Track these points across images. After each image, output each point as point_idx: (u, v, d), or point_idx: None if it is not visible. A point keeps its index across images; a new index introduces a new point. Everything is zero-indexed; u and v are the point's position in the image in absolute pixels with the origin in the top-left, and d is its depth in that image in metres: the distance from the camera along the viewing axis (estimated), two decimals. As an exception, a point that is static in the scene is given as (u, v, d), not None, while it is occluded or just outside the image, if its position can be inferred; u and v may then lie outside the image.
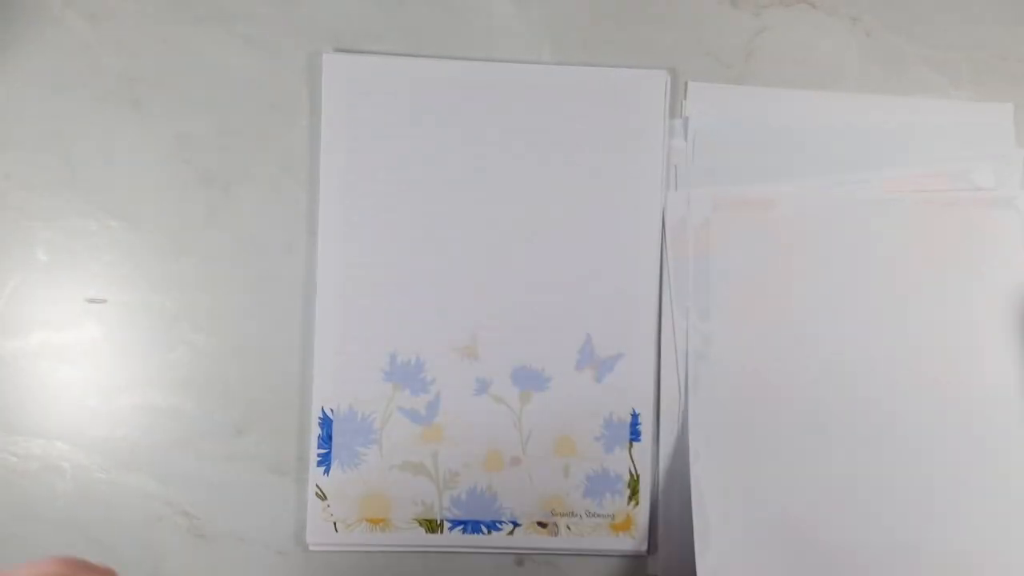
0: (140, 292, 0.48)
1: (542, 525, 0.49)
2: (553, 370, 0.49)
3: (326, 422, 0.49)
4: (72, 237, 0.48)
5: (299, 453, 0.49)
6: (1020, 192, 0.50)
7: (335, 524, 0.49)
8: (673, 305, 0.50)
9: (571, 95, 0.50)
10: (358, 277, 0.49)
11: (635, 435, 0.50)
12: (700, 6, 0.51)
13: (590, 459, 0.50)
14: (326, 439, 0.49)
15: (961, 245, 0.50)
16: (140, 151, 0.49)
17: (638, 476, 0.50)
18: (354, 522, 0.49)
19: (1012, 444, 0.49)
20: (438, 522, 0.49)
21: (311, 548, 0.49)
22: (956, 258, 0.50)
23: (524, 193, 0.49)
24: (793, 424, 0.49)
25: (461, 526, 0.49)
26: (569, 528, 0.50)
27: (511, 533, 0.49)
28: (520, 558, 0.50)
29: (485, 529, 0.49)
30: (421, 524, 0.49)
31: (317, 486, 0.49)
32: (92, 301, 0.48)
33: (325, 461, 0.49)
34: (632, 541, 0.50)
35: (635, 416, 0.50)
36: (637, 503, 0.50)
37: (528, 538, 0.49)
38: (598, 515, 0.50)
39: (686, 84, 0.51)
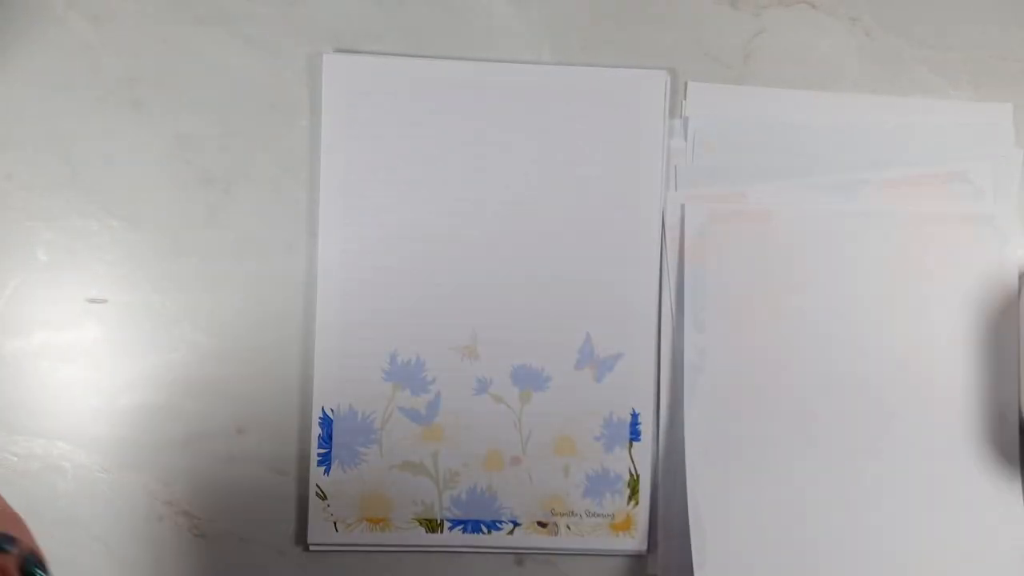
0: (141, 292, 0.48)
1: (542, 525, 0.49)
2: (553, 370, 0.49)
3: (326, 422, 0.49)
4: (73, 237, 0.48)
5: (299, 453, 0.49)
6: (999, 209, 0.50)
7: (335, 524, 0.49)
8: (672, 305, 0.50)
9: (571, 95, 0.50)
10: (358, 277, 0.49)
11: (635, 435, 0.50)
12: (700, 7, 0.51)
13: (590, 459, 0.50)
14: (326, 439, 0.49)
15: (944, 261, 0.50)
16: (141, 151, 0.49)
17: (638, 476, 0.50)
18: (354, 522, 0.49)
19: (998, 453, 0.50)
20: (438, 522, 0.49)
21: (311, 548, 0.49)
22: (941, 273, 0.50)
23: (524, 193, 0.49)
24: (787, 435, 0.49)
25: (461, 526, 0.49)
26: (569, 528, 0.50)
27: (511, 533, 0.49)
28: (520, 558, 0.50)
29: (485, 529, 0.49)
30: (421, 524, 0.49)
31: (317, 486, 0.49)
32: (93, 301, 0.48)
33: (325, 461, 0.49)
34: (632, 541, 0.50)
35: (635, 416, 0.50)
36: (637, 503, 0.50)
37: (528, 538, 0.49)
38: (598, 515, 0.50)
39: (686, 84, 0.51)
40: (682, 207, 0.50)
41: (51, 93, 0.48)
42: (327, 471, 0.49)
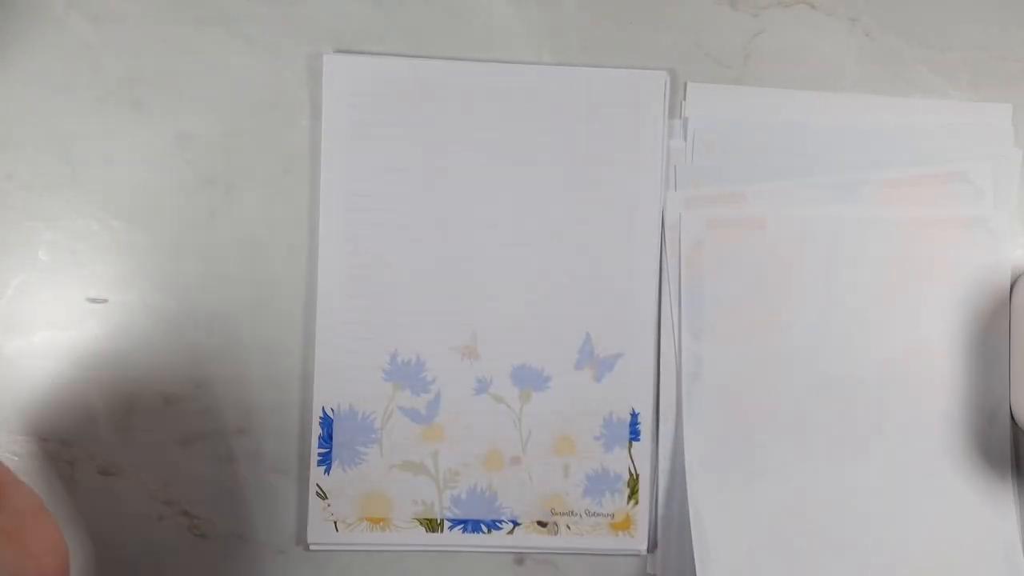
0: (141, 292, 0.49)
1: (542, 524, 0.50)
2: (553, 369, 0.49)
3: (327, 421, 0.49)
4: (73, 237, 0.48)
5: (300, 452, 0.49)
6: (993, 212, 0.50)
7: (335, 523, 0.49)
8: (673, 305, 0.50)
9: (571, 96, 0.50)
10: (358, 277, 0.49)
11: (635, 434, 0.50)
12: (699, 7, 0.51)
13: (590, 458, 0.50)
14: (327, 438, 0.49)
15: (939, 263, 0.50)
16: (141, 151, 0.49)
17: (638, 475, 0.50)
18: (354, 521, 0.49)
19: (990, 452, 0.50)
20: (438, 521, 0.49)
21: (311, 547, 0.49)
22: (936, 275, 0.50)
23: (524, 193, 0.49)
24: (785, 437, 0.50)
25: (461, 525, 0.49)
26: (569, 527, 0.50)
27: (511, 532, 0.49)
28: (520, 557, 0.50)
29: (485, 528, 0.49)
30: (421, 523, 0.49)
31: (318, 485, 0.49)
32: (93, 301, 0.48)
33: (326, 460, 0.49)
34: (632, 540, 0.50)
35: (634, 415, 0.50)
36: (637, 502, 0.50)
37: (528, 537, 0.49)
38: (598, 514, 0.50)
39: (685, 85, 0.51)
40: (679, 216, 0.50)
41: (51, 93, 0.48)
42: (327, 471, 0.49)
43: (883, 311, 0.50)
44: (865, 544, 0.49)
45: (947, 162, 0.51)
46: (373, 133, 0.49)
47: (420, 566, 0.50)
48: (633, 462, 0.50)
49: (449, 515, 0.49)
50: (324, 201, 0.49)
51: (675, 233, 0.50)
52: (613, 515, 0.50)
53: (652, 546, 0.50)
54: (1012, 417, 0.50)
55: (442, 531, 0.49)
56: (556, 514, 0.50)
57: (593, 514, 0.50)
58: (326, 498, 0.49)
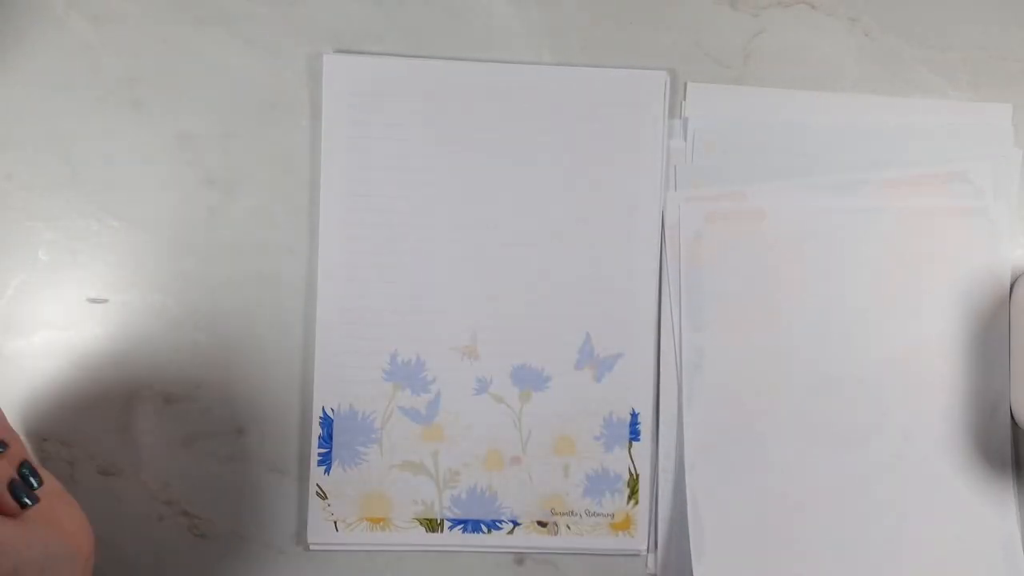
0: (141, 292, 0.49)
1: (542, 524, 0.50)
2: (553, 369, 0.49)
3: (327, 421, 0.49)
4: (74, 237, 0.48)
5: (300, 452, 0.49)
6: (992, 202, 0.50)
7: (335, 523, 0.49)
8: (673, 305, 0.50)
9: (571, 96, 0.50)
10: (358, 277, 0.49)
11: (634, 434, 0.50)
12: (699, 7, 0.51)
13: (590, 458, 0.50)
14: (327, 438, 0.49)
15: (939, 259, 0.50)
16: (141, 151, 0.49)
17: (637, 475, 0.50)
18: (354, 521, 0.49)
19: (990, 448, 0.50)
20: (438, 521, 0.49)
21: (312, 547, 0.49)
22: (936, 271, 0.51)
23: (524, 193, 0.49)
24: (785, 433, 0.50)
25: (461, 525, 0.49)
26: (569, 527, 0.50)
27: (511, 532, 0.49)
28: (520, 557, 0.50)
29: (485, 528, 0.49)
30: (421, 523, 0.49)
31: (318, 485, 0.49)
32: (93, 301, 0.48)
33: (326, 460, 0.49)
34: (631, 540, 0.50)
35: (634, 415, 0.50)
36: (636, 502, 0.50)
37: (528, 537, 0.49)
38: (598, 514, 0.50)
39: (685, 85, 0.51)
40: (679, 208, 0.50)
41: (51, 93, 0.48)
42: (327, 471, 0.49)
43: (883, 306, 0.50)
44: (863, 539, 0.49)
45: (947, 162, 0.51)
46: (373, 133, 0.49)
47: (420, 566, 0.50)
48: (633, 462, 0.50)
49: (449, 515, 0.49)
50: (324, 201, 0.49)
51: (675, 232, 0.50)
52: (613, 515, 0.50)
53: (652, 546, 0.50)
54: (1012, 416, 0.50)
55: (442, 531, 0.49)
56: (556, 514, 0.50)
57: (593, 514, 0.50)
58: (326, 498, 0.49)
